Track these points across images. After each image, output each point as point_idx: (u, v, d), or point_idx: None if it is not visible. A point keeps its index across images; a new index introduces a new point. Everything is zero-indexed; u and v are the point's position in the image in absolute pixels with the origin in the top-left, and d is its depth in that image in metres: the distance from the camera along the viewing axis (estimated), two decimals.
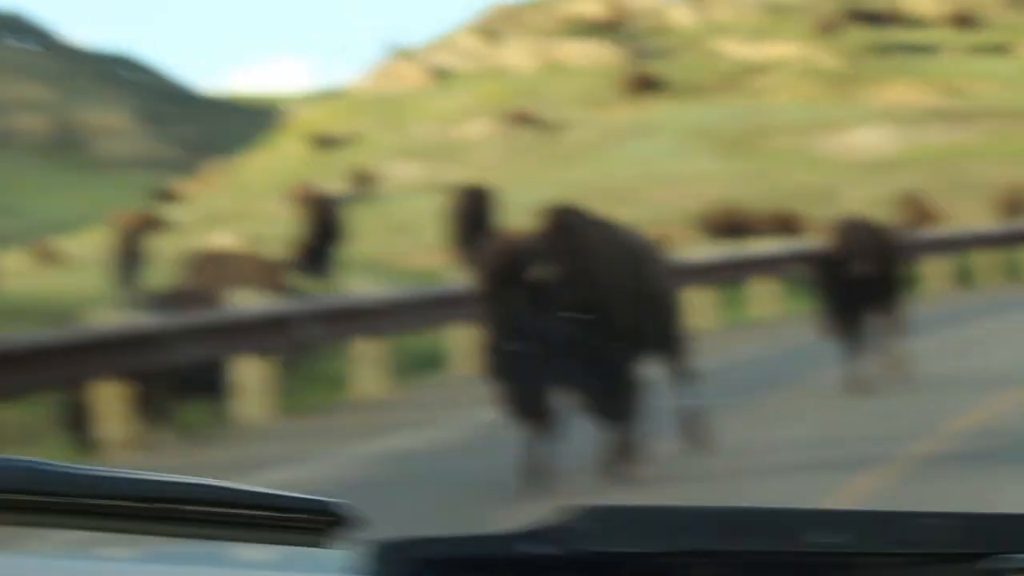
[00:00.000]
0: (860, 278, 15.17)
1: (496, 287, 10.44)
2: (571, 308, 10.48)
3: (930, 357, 17.80)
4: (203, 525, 1.49)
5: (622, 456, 10.93)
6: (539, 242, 10.85)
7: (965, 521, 1.54)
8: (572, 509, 1.48)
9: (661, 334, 11.96)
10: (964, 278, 31.24)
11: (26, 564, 1.62)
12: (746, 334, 22.97)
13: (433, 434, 13.84)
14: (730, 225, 41.73)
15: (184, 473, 6.31)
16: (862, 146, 66.92)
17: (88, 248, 49.29)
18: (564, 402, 10.77)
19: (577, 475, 10.90)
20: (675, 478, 11.43)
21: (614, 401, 10.80)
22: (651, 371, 11.81)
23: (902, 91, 78.69)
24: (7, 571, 1.49)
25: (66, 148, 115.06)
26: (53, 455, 15.02)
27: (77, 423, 15.13)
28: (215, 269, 20.35)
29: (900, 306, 16.44)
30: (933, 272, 30.65)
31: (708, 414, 11.98)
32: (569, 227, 11.15)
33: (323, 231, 32.04)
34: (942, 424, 12.90)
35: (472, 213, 37.37)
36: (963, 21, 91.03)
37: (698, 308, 24.51)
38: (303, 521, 1.48)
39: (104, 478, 1.49)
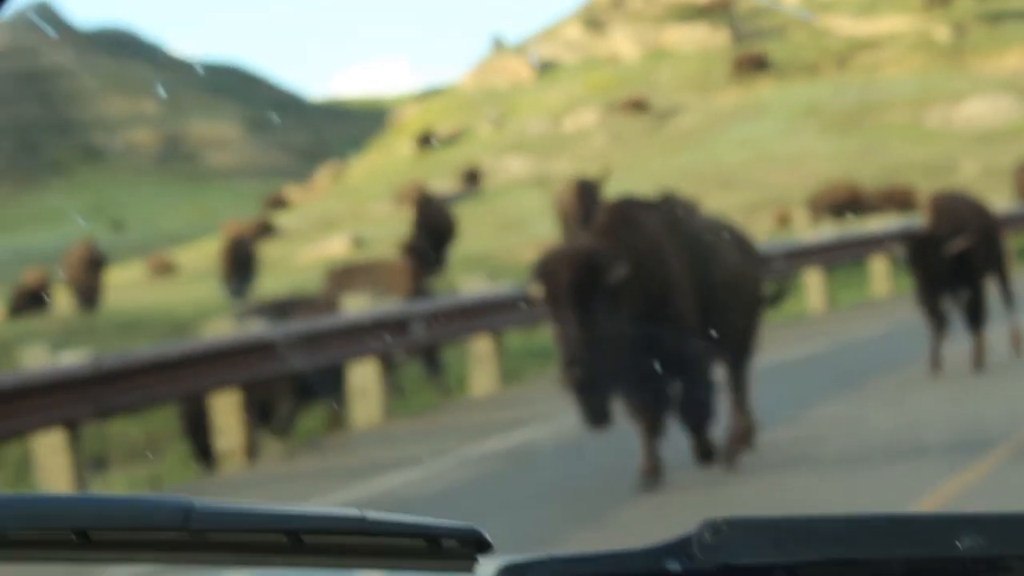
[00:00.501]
0: (958, 256, 14.56)
1: (569, 301, 9.82)
2: (640, 309, 10.04)
3: None
4: (347, 555, 1.50)
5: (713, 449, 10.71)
6: (600, 243, 10.28)
7: None
8: (714, 523, 1.46)
9: (733, 331, 11.31)
10: None
11: None
12: (864, 311, 22.83)
13: (547, 430, 13.76)
14: (844, 203, 41.50)
15: (297, 479, 6.65)
16: (977, 117, 66.39)
17: (202, 259, 49.69)
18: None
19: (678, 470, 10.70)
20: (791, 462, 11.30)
21: (688, 409, 10.44)
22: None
23: (1016, 59, 78.02)
24: None
25: (177, 161, 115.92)
26: (174, 465, 15.32)
27: (197, 433, 15.36)
28: (353, 278, 20.49)
29: (1005, 279, 15.91)
30: None
31: (757, 425, 11.46)
32: (631, 222, 10.59)
33: (433, 230, 32.16)
34: None
35: (583, 205, 37.50)
36: None
37: (812, 289, 24.58)
38: (431, 548, 1.46)
39: (255, 514, 1.51)
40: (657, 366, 9.95)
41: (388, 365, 16.86)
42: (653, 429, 10.25)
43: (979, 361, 14.65)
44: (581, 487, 10.70)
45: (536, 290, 10.18)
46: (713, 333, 10.73)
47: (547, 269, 10.02)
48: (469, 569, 1.41)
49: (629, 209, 10.79)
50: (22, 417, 12.30)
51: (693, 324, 10.39)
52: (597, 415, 9.92)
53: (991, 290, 15.61)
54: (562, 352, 9.91)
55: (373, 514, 1.47)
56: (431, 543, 1.43)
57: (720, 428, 11.14)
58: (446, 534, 1.43)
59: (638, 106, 77.04)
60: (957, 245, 14.48)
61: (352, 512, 1.47)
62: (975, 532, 1.55)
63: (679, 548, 1.41)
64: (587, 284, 9.69)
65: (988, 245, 15.50)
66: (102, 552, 1.59)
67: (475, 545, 1.41)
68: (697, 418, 10.42)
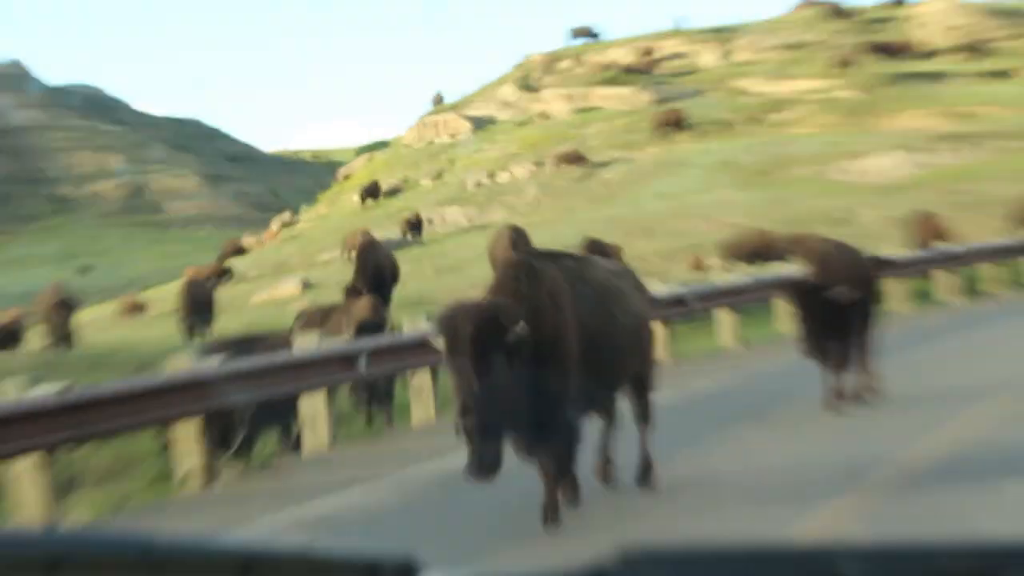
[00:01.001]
0: (837, 301, 14.45)
1: (469, 355, 9.32)
2: (532, 357, 9.56)
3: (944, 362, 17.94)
4: None
5: (556, 501, 10.20)
6: (501, 299, 9.80)
7: (999, 548, 1.48)
8: (626, 551, 1.41)
9: (634, 367, 11.13)
10: (968, 288, 31.23)
11: None
12: (771, 347, 22.86)
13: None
14: (755, 250, 41.78)
15: (250, 499, 6.86)
16: (876, 171, 66.77)
17: (167, 300, 49.73)
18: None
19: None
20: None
21: (553, 455, 10.06)
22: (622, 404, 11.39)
23: (914, 118, 78.62)
24: None
25: (140, 211, 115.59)
26: (142, 486, 15.43)
27: (165, 457, 15.53)
28: (319, 319, 20.54)
29: (875, 326, 15.69)
30: (944, 284, 30.75)
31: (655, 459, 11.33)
32: (530, 273, 10.09)
33: (378, 274, 32.26)
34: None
35: (514, 251, 37.70)
36: (969, 50, 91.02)
37: (724, 326, 24.80)
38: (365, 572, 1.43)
39: (209, 547, 1.50)
40: (538, 411, 9.72)
41: (332, 397, 16.93)
42: (545, 472, 10.09)
43: (839, 401, 14.68)
44: (507, 510, 10.69)
45: (438, 343, 9.62)
46: (600, 377, 10.50)
47: (448, 324, 9.54)
48: None
49: (530, 262, 10.37)
50: None
51: (575, 374, 9.96)
52: (485, 465, 9.41)
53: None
54: (458, 402, 9.36)
55: (318, 547, 1.46)
56: (371, 571, 1.41)
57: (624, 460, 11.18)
58: (384, 562, 1.40)
59: (575, 159, 77.28)
60: (843, 294, 14.48)
61: (299, 545, 1.46)
62: (862, 561, 1.53)
63: (594, 572, 1.35)
64: (485, 340, 9.31)
65: (864, 291, 15.29)
66: None
67: (409, 571, 1.39)
68: (563, 461, 10.11)
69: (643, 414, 11.42)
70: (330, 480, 13.38)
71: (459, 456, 12.26)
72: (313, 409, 16.50)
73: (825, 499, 9.97)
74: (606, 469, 11.26)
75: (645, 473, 11.19)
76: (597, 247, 38.76)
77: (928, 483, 10.44)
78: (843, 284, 14.53)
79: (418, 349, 18.01)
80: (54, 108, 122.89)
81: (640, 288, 11.66)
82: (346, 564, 1.42)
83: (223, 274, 59.31)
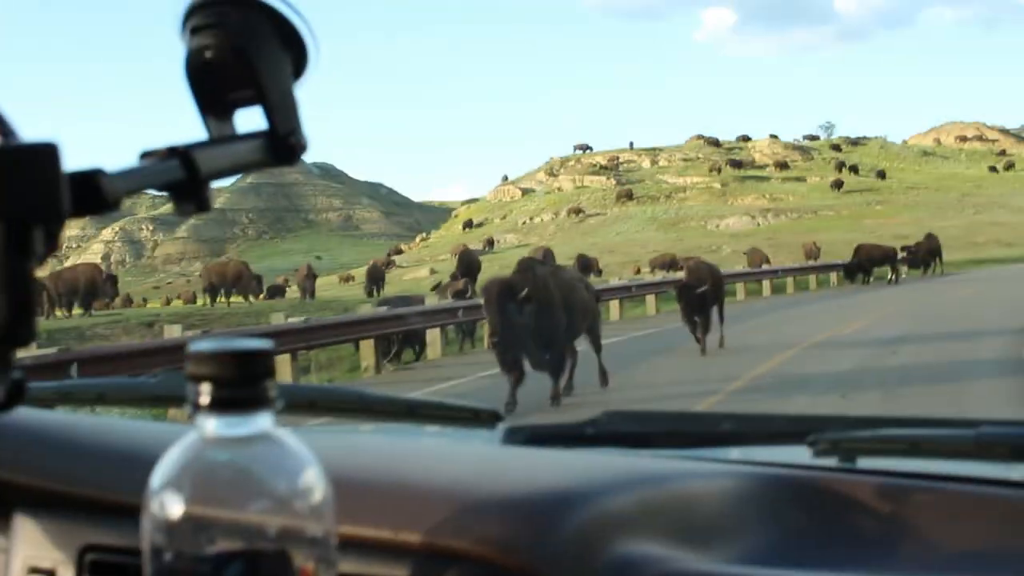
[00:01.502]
0: (700, 294, 13.90)
1: (495, 304, 9.34)
2: (534, 312, 9.49)
3: (752, 331, 17.61)
4: (420, 418, 1.36)
5: (558, 393, 9.88)
6: (518, 280, 9.73)
7: (795, 417, 1.26)
8: (608, 411, 1.28)
9: (586, 327, 10.78)
10: (778, 290, 30.81)
11: (329, 435, 1.35)
12: (644, 322, 22.63)
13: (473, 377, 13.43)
14: (667, 264, 41.53)
15: (400, 383, 6.50)
16: (732, 226, 66.48)
17: (361, 276, 49.68)
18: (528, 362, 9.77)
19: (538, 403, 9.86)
20: (601, 403, 10.37)
21: (552, 365, 9.82)
22: (581, 345, 10.89)
23: (750, 199, 78.21)
24: (322, 440, 1.44)
25: (350, 228, 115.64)
26: (340, 374, 15.31)
27: (355, 358, 15.43)
28: (441, 290, 20.62)
29: (721, 308, 14.85)
30: (765, 286, 30.47)
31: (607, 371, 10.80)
32: (531, 270, 10.02)
33: (471, 268, 32.17)
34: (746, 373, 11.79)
35: (545, 261, 37.62)
36: (781, 165, 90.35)
37: (648, 304, 24.51)
38: (468, 417, 1.34)
39: (380, 397, 1.38)
40: (540, 342, 9.62)
41: (444, 331, 16.71)
42: (552, 373, 9.85)
43: (704, 350, 13.72)
44: (531, 396, 10.49)
45: (481, 298, 9.92)
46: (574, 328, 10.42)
47: (486, 289, 9.74)
48: (493, 427, 1.28)
49: (531, 264, 10.35)
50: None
51: (561, 323, 9.91)
52: (508, 366, 9.42)
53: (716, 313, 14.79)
54: (489, 331, 9.47)
55: (448, 400, 1.39)
56: (474, 414, 1.32)
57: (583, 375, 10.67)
58: (481, 411, 1.32)
59: (577, 211, 77.34)
60: (700, 289, 13.94)
61: (434, 399, 1.40)
62: (739, 421, 1.30)
63: (592, 422, 1.23)
64: (504, 297, 9.36)
65: (716, 289, 14.63)
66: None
67: (495, 417, 1.29)
68: (554, 371, 9.82)
69: (597, 348, 10.93)
70: (441, 375, 13.23)
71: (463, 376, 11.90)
72: (433, 337, 16.36)
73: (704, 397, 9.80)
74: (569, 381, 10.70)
75: (603, 378, 10.72)
76: (584, 259, 38.58)
77: (756, 390, 10.23)
78: (704, 283, 14.03)
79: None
80: (307, 173, 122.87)
81: (588, 287, 11.41)
82: (461, 409, 1.34)
83: (390, 263, 59.31)
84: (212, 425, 0.60)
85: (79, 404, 1.40)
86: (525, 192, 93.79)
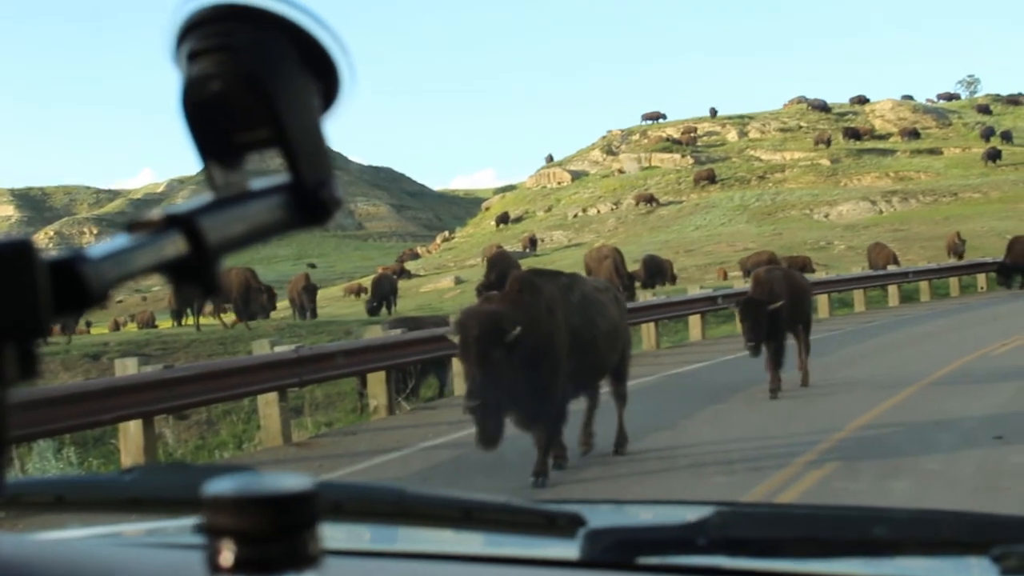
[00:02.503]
0: (772, 313, 12.89)
1: (474, 351, 8.19)
2: (528, 354, 8.36)
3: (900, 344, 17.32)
4: (479, 524, 1.34)
5: (544, 469, 8.68)
6: (509, 309, 8.53)
7: (971, 518, 1.24)
8: (722, 512, 1.21)
9: (615, 361, 9.85)
10: (908, 297, 30.62)
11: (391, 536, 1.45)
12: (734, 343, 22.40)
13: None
14: (761, 265, 41.18)
15: (418, 427, 6.44)
16: (845, 214, 66.10)
17: (366, 288, 49.91)
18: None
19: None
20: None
21: (545, 425, 8.75)
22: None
23: (870, 179, 77.80)
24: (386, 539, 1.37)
25: (349, 227, 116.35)
26: (342, 415, 15.35)
27: (360, 395, 15.51)
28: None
29: (806, 330, 14.19)
30: (891, 294, 30.23)
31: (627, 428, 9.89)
32: (531, 290, 8.80)
33: (505, 275, 32.28)
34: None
35: (613, 263, 37.89)
36: (909, 134, 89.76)
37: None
38: (541, 523, 1.30)
39: (427, 497, 1.36)
40: (533, 395, 8.53)
41: None
42: (540, 443, 8.77)
43: (776, 390, 12.95)
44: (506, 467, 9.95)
45: (453, 338, 8.54)
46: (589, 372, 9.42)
47: (461, 326, 8.35)
48: (573, 537, 1.22)
49: (532, 278, 9.10)
50: (247, 377, 12.31)
51: (565, 368, 8.79)
52: (487, 438, 8.23)
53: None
54: (466, 386, 8.36)
55: (514, 500, 1.34)
56: (550, 520, 1.27)
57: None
58: (558, 515, 1.26)
59: (649, 199, 77.44)
60: (772, 306, 12.94)
61: (497, 499, 1.34)
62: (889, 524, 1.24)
63: (702, 523, 1.14)
64: (487, 340, 8.11)
65: (796, 306, 13.73)
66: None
67: (575, 521, 1.23)
68: (546, 435, 8.73)
69: (620, 397, 10.07)
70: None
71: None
72: (460, 367, 16.32)
73: None
74: (588, 440, 9.82)
75: (620, 444, 9.79)
76: (654, 261, 38.50)
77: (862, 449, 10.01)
78: (778, 298, 13.13)
79: None
80: None
81: (618, 301, 10.26)
82: (531, 513, 1.29)
83: (402, 272, 59.50)
84: None
85: (31, 510, 1.38)
86: (576, 176, 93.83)
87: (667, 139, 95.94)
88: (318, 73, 0.65)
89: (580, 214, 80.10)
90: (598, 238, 64.85)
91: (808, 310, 14.67)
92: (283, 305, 39.91)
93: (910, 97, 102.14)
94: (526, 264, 47.74)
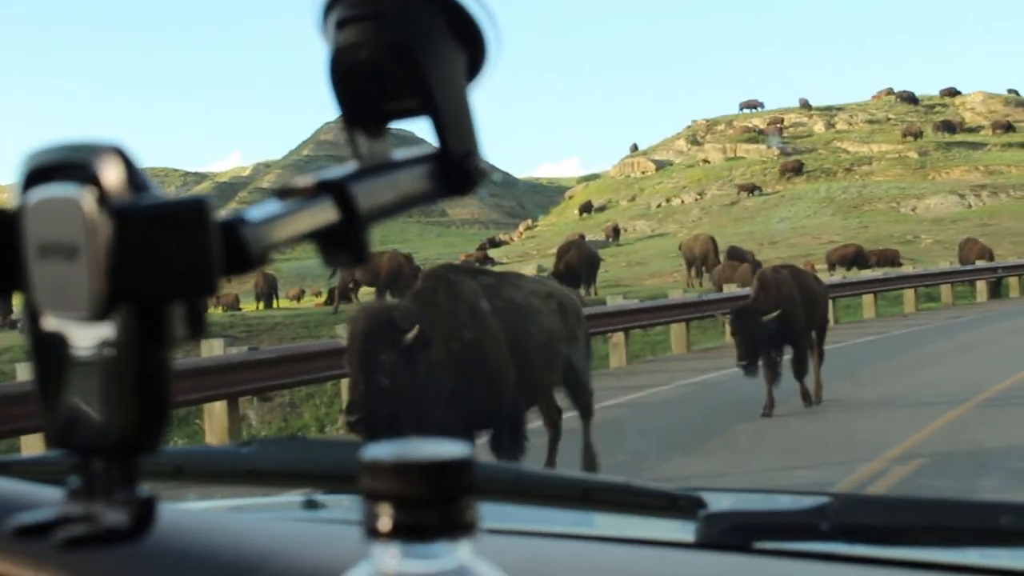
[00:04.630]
0: (771, 323, 11.15)
1: (357, 354, 6.69)
2: (445, 360, 6.91)
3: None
4: (597, 504, 1.35)
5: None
6: (407, 306, 7.19)
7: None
8: (841, 497, 1.18)
9: (556, 379, 8.15)
10: (999, 293, 30.00)
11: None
12: (858, 327, 22.05)
13: (658, 389, 13.35)
14: (851, 259, 40.77)
15: None
16: (933, 208, 65.26)
17: None
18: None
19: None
20: None
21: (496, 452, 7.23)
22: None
23: (959, 172, 76.72)
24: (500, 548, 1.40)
25: (433, 214, 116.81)
26: None
27: None
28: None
29: (819, 339, 12.47)
30: (979, 289, 29.68)
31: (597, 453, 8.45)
32: (443, 286, 7.31)
33: (587, 264, 32.20)
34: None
35: (712, 251, 37.85)
36: (1002, 127, 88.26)
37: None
38: (662, 504, 1.29)
39: (545, 477, 1.39)
40: (460, 408, 7.01)
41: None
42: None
43: (769, 407, 11.13)
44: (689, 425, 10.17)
45: (343, 339, 7.26)
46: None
47: (350, 324, 6.99)
48: (691, 519, 1.21)
49: (446, 275, 7.54)
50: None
51: (507, 375, 7.30)
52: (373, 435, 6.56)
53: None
54: (349, 396, 7.00)
55: (633, 481, 1.34)
56: (671, 501, 1.28)
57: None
58: (679, 496, 1.27)
59: (751, 188, 77.26)
60: (768, 316, 11.21)
61: (621, 479, 1.33)
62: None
63: (821, 508, 1.14)
64: (377, 341, 6.70)
65: (809, 311, 12.13)
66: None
67: (695, 504, 1.24)
68: (505, 457, 7.03)
69: (583, 412, 8.51)
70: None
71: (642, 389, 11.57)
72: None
73: None
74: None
75: (587, 462, 8.34)
76: (737, 252, 38.18)
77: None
78: (786, 303, 11.53)
79: (616, 316, 17.79)
80: None
81: (563, 309, 8.22)
82: (652, 493, 1.31)
83: (485, 259, 59.54)
84: (394, 557, 0.58)
85: (148, 479, 1.28)
86: (660, 166, 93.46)
87: (753, 130, 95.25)
88: (465, 42, 0.66)
89: (664, 204, 79.86)
90: (681, 228, 64.56)
91: (822, 315, 12.94)
92: (365, 290, 40.11)
93: (1015, 91, 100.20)
94: (608, 255, 47.59)
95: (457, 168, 0.66)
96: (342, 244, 0.61)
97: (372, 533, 0.58)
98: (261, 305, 39.13)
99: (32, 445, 8.93)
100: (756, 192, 76.68)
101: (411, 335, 6.78)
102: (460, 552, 0.59)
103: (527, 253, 67.02)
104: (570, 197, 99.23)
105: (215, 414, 10.97)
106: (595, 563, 1.06)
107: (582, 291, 27.50)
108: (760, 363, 11.18)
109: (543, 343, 7.83)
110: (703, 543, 1.19)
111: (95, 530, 0.54)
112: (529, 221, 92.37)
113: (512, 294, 7.83)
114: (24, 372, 9.82)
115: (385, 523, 0.58)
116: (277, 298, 41.34)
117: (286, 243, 0.59)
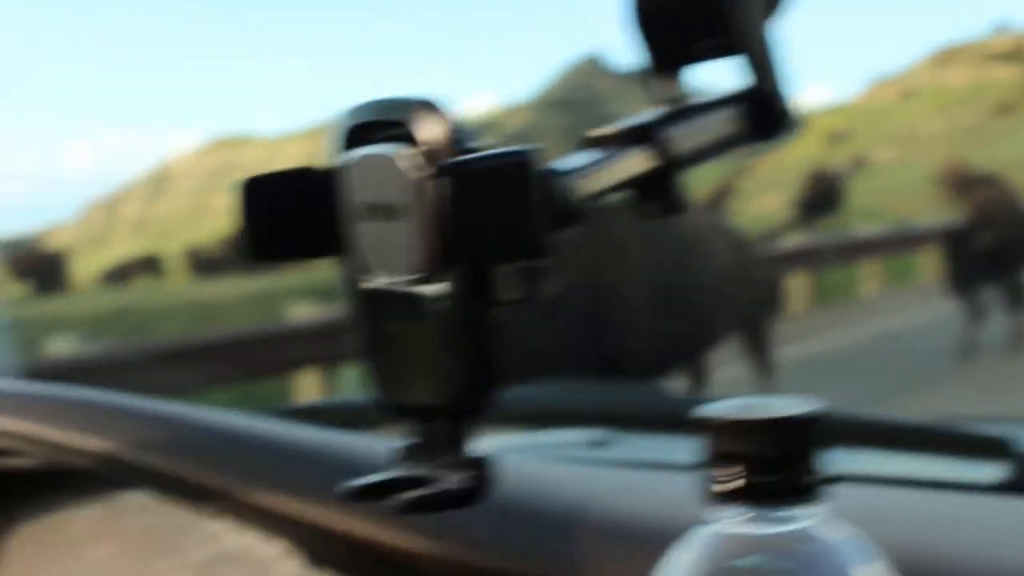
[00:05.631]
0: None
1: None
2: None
3: None
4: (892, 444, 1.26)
5: None
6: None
7: None
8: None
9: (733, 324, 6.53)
10: None
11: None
12: None
13: (902, 321, 11.93)
14: None
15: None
16: None
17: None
18: None
19: None
20: None
21: None
22: None
23: None
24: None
25: None
26: None
27: None
28: None
29: None
30: None
31: None
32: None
33: (828, 194, 32.02)
34: None
35: (957, 180, 36.74)
36: None
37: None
38: (967, 446, 1.18)
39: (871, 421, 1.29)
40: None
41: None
42: None
43: None
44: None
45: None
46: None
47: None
48: (998, 462, 1.11)
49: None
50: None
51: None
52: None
53: None
54: None
55: (939, 423, 1.27)
56: (973, 444, 1.19)
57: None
58: (981, 438, 1.19)
59: (1005, 111, 74.96)
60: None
61: (922, 420, 1.27)
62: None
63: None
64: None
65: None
66: None
67: (1000, 447, 1.11)
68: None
69: (764, 369, 7.33)
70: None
71: (888, 318, 11.06)
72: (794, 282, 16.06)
73: None
74: None
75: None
76: (986, 179, 37.01)
77: None
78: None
79: (870, 246, 17.43)
80: (621, 77, 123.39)
81: (731, 240, 6.95)
82: (959, 436, 1.22)
83: (731, 190, 59.10)
84: (741, 519, 0.54)
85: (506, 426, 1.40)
86: (907, 94, 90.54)
87: (1002, 52, 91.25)
88: None
89: (910, 132, 77.73)
90: (928, 157, 62.69)
91: None
92: None
93: None
94: (853, 185, 46.75)
95: (768, 108, 0.65)
96: (655, 193, 0.59)
97: (719, 497, 0.55)
98: None
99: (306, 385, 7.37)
100: (1009, 114, 73.67)
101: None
102: (813, 513, 0.55)
103: (773, 183, 65.98)
104: (813, 125, 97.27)
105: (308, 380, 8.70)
106: (929, 511, 0.92)
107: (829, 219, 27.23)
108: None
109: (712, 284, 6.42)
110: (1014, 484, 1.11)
111: (435, 494, 0.53)
112: (768, 153, 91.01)
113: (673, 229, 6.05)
114: (296, 311, 9.00)
115: (735, 484, 0.54)
116: None
117: (601, 194, 0.57)
